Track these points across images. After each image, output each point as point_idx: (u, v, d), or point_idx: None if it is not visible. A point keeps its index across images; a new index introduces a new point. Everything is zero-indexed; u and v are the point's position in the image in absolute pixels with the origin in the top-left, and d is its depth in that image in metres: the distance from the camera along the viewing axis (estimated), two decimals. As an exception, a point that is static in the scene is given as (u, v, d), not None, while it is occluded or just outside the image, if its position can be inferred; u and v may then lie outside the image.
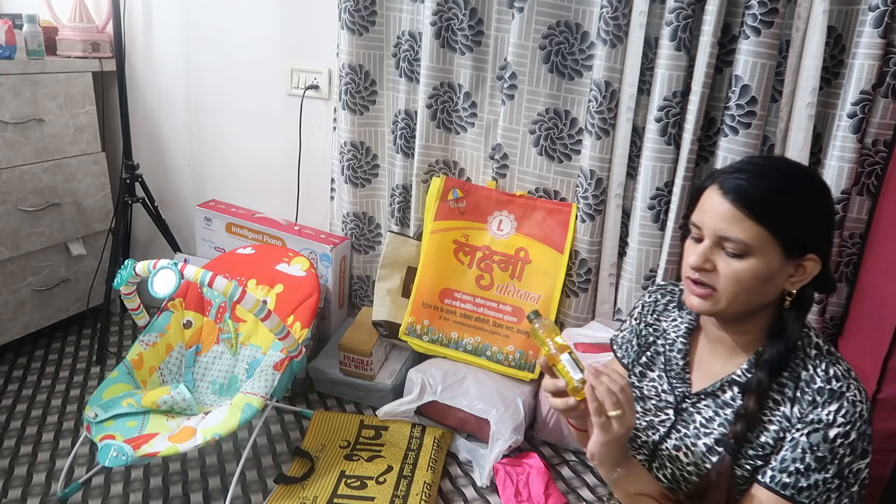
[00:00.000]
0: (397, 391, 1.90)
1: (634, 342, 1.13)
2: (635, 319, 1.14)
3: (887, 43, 1.39)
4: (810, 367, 0.90)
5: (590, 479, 1.69)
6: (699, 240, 0.92)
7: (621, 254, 1.80)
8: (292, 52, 2.06)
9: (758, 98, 1.48)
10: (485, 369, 1.84)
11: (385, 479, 1.59)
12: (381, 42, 1.90)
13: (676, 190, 1.62)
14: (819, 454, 0.85)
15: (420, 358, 1.95)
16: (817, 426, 0.85)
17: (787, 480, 0.86)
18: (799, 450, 0.86)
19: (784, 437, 0.88)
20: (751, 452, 0.91)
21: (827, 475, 0.85)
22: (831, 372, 0.88)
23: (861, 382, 0.89)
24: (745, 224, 0.86)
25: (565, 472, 1.71)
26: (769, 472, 0.88)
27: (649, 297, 1.13)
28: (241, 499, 1.57)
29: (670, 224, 1.64)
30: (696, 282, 0.91)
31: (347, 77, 1.91)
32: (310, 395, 1.99)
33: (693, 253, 0.91)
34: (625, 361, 1.14)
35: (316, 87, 2.06)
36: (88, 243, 2.23)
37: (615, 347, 1.17)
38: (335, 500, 1.52)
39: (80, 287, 2.23)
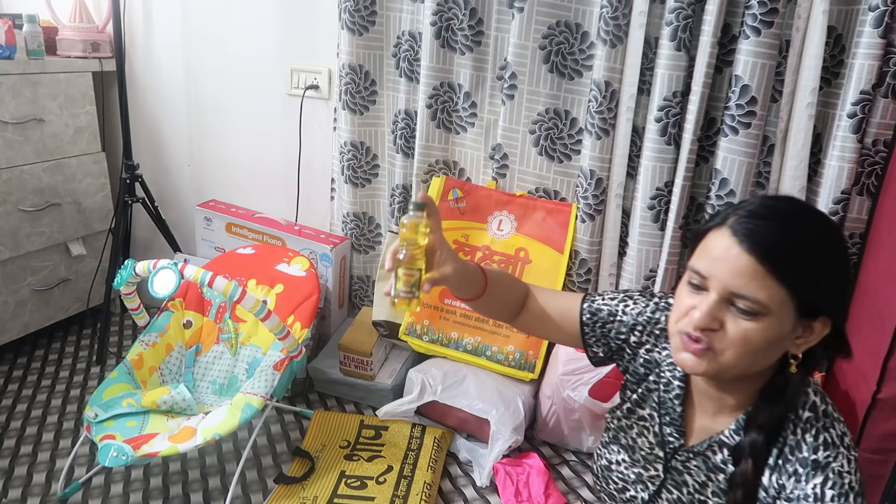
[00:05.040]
0: (397, 391, 1.90)
1: (609, 327, 1.00)
2: (624, 311, 0.99)
3: (887, 43, 1.39)
4: (799, 432, 0.81)
5: (590, 479, 1.69)
6: (701, 289, 0.80)
7: (621, 254, 1.80)
8: (292, 52, 2.06)
9: (758, 98, 1.48)
10: (485, 369, 1.84)
11: (385, 479, 1.59)
12: (381, 42, 1.90)
13: (676, 190, 1.62)
14: None
15: (420, 358, 1.95)
16: None
17: None
18: None
19: None
20: None
21: None
22: (820, 439, 0.79)
23: (854, 451, 0.81)
24: (766, 282, 0.74)
25: (565, 472, 1.71)
26: None
27: (653, 312, 0.98)
28: (241, 499, 1.57)
29: (670, 224, 1.64)
30: (693, 338, 0.79)
31: (347, 77, 1.91)
32: (310, 395, 1.99)
33: (696, 308, 0.79)
34: (586, 329, 1.00)
35: (316, 87, 2.06)
36: (88, 243, 2.23)
37: (585, 308, 1.01)
38: (335, 500, 1.52)
39: (80, 287, 2.23)
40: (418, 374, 1.80)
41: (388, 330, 1.94)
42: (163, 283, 1.37)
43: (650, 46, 1.60)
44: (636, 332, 0.98)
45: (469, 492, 1.63)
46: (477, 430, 1.75)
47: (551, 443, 1.82)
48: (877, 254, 1.41)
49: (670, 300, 0.98)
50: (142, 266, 1.43)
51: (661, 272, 1.69)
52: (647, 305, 0.99)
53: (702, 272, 0.80)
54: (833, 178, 1.49)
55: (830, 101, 1.51)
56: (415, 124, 1.91)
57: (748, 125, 1.50)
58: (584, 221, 1.77)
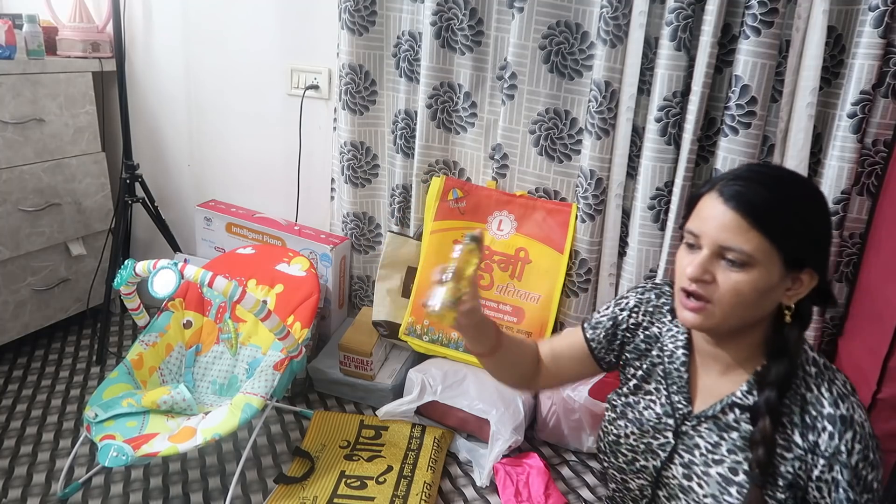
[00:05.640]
0: (397, 391, 1.90)
1: (613, 331, 1.07)
2: (620, 309, 1.08)
3: (887, 43, 1.39)
4: (813, 388, 0.88)
5: (590, 479, 1.69)
6: (695, 247, 0.88)
7: (621, 254, 1.80)
8: (292, 52, 2.06)
9: (758, 98, 1.48)
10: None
11: (385, 479, 1.59)
12: (381, 42, 1.90)
13: (676, 190, 1.62)
14: (857, 488, 0.84)
15: (420, 358, 1.95)
16: (842, 459, 0.84)
17: None
18: (841, 491, 0.84)
19: (802, 469, 0.86)
20: (775, 482, 0.87)
21: (867, 499, 0.85)
22: (834, 391, 0.87)
23: (855, 391, 0.89)
24: (750, 234, 0.83)
25: (565, 472, 1.72)
26: None
27: (643, 293, 1.07)
28: (241, 499, 1.57)
29: (670, 224, 1.64)
30: (690, 294, 0.88)
31: (347, 77, 1.91)
32: (310, 395, 1.99)
33: (690, 263, 0.87)
34: (593, 345, 1.08)
35: (316, 87, 2.06)
36: (88, 243, 2.23)
37: (586, 326, 1.10)
38: (335, 500, 1.52)
39: (80, 287, 2.23)
40: (418, 374, 1.80)
41: (388, 330, 1.94)
42: (163, 283, 1.37)
43: (650, 46, 1.60)
44: (633, 315, 1.07)
45: (469, 492, 1.63)
46: (477, 430, 1.75)
47: (551, 443, 1.82)
48: (877, 254, 1.41)
49: (657, 282, 1.09)
50: (142, 266, 1.43)
51: (660, 272, 1.69)
52: (636, 291, 1.09)
53: (694, 231, 0.89)
54: (833, 178, 1.49)
55: (830, 101, 1.51)
56: (415, 124, 1.91)
57: (748, 125, 1.50)
58: (584, 221, 1.77)
